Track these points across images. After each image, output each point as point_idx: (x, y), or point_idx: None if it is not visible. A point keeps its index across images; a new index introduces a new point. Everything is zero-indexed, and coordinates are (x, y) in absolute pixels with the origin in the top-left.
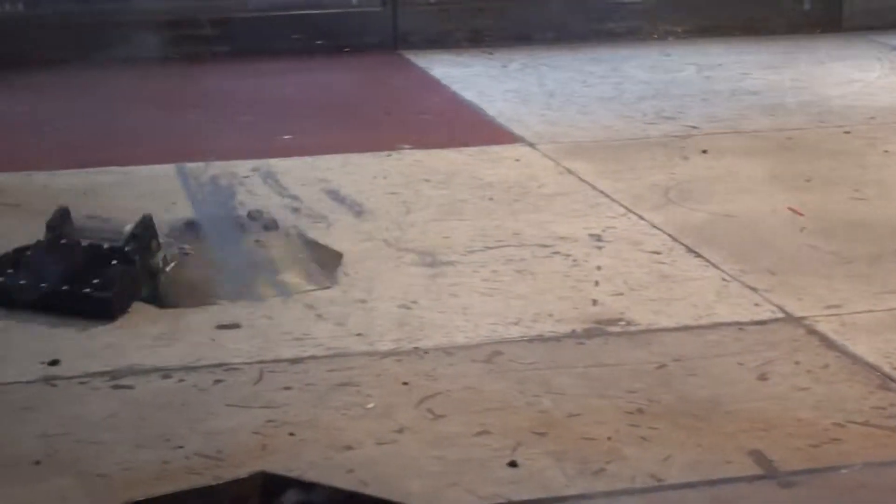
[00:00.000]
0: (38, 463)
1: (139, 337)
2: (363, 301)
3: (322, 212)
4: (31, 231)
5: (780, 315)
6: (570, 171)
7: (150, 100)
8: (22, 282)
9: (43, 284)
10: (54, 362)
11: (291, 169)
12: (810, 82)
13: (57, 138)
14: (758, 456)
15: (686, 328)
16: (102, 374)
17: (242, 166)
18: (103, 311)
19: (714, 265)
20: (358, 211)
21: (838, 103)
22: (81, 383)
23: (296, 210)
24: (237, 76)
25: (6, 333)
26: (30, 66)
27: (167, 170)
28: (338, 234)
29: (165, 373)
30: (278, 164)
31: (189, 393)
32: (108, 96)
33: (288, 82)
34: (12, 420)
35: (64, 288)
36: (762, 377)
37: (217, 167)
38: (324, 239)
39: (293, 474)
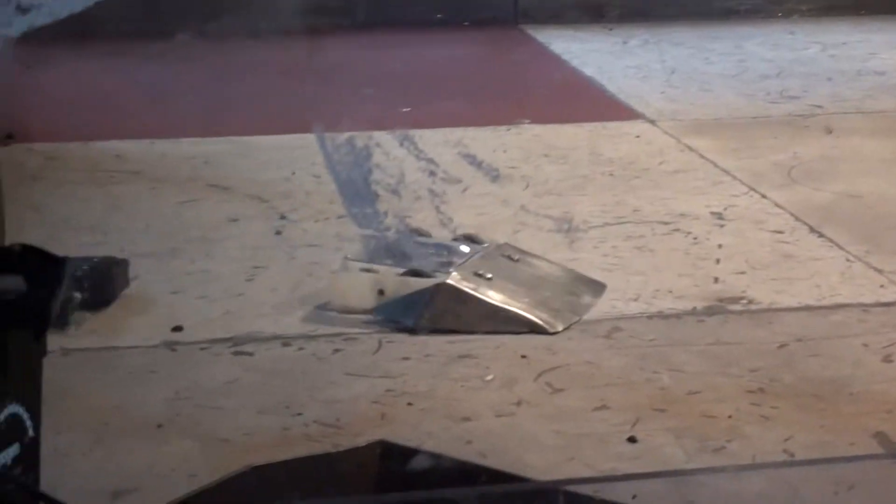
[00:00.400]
0: (160, 426)
1: (259, 305)
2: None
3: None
4: (149, 198)
5: None
6: (690, 149)
7: (272, 71)
8: None
9: None
10: (177, 328)
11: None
12: None
13: (179, 107)
14: (882, 438)
15: (808, 308)
16: (223, 340)
17: (361, 138)
18: None
19: (838, 246)
20: (494, 176)
21: None
22: (202, 349)
23: (432, 173)
24: (358, 48)
25: (128, 299)
26: (154, 37)
27: (288, 140)
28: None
29: (285, 341)
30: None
31: (308, 361)
32: (229, 67)
33: (408, 55)
34: (136, 383)
35: None
36: (887, 359)
37: (346, 135)
38: (459, 202)
39: (412, 444)
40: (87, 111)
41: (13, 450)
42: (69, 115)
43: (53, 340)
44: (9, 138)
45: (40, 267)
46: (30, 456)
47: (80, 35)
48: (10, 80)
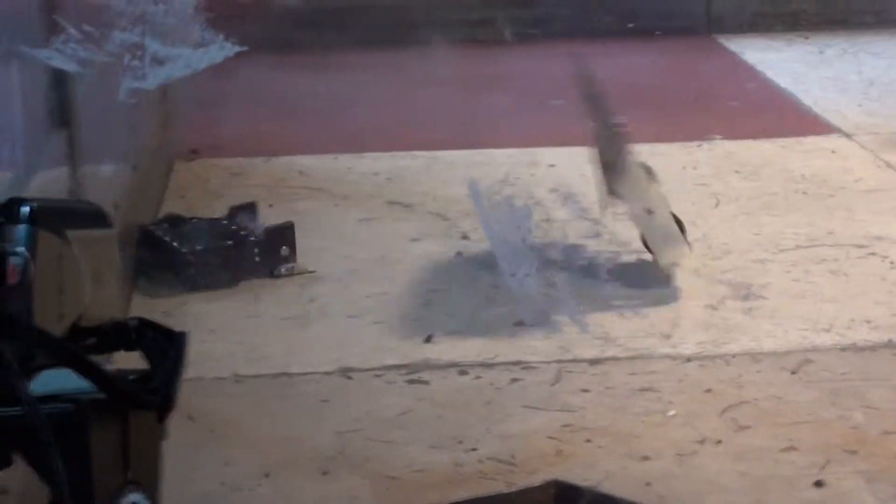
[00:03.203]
0: (329, 460)
1: (435, 330)
2: (668, 301)
3: None
4: (330, 216)
5: None
6: (889, 165)
7: (456, 83)
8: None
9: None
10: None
11: None
12: None
13: (362, 121)
14: None
15: None
16: (398, 367)
17: (551, 154)
18: None
19: None
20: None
21: None
22: (377, 376)
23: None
24: (547, 58)
25: (303, 321)
26: (335, 49)
27: (473, 155)
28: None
29: (462, 369)
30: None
31: (485, 391)
32: (413, 79)
33: (597, 65)
34: (308, 413)
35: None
36: None
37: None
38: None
39: (588, 484)
40: (272, 125)
41: None
42: (254, 130)
43: (228, 362)
44: (194, 153)
45: (157, 342)
46: None
47: (269, 48)
48: (196, 94)
